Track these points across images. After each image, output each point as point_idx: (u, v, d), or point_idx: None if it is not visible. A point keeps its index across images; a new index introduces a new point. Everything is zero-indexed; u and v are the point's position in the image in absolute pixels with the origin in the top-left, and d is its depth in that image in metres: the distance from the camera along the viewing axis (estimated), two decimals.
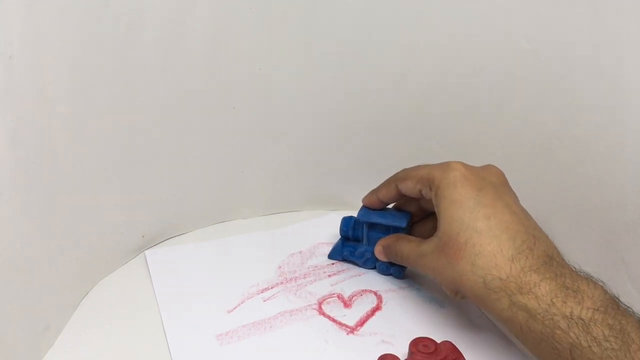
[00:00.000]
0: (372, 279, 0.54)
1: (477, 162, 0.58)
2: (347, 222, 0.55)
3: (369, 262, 0.55)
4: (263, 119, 0.58)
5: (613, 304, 0.39)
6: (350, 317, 0.50)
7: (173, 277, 0.53)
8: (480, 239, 0.42)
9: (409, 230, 0.53)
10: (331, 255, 0.56)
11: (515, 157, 0.56)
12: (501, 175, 0.48)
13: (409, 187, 0.49)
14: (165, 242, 0.58)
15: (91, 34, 0.45)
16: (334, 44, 0.56)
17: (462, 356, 0.43)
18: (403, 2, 0.54)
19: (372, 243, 0.54)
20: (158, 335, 0.48)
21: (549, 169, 0.54)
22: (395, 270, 0.54)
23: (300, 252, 0.57)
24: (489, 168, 0.48)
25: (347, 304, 0.51)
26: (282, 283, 0.53)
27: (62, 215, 0.46)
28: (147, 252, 0.56)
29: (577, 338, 0.37)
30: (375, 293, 0.52)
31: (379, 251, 0.53)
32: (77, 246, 0.49)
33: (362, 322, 0.49)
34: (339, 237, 0.56)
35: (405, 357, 0.44)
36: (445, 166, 0.46)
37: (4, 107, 0.39)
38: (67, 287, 0.49)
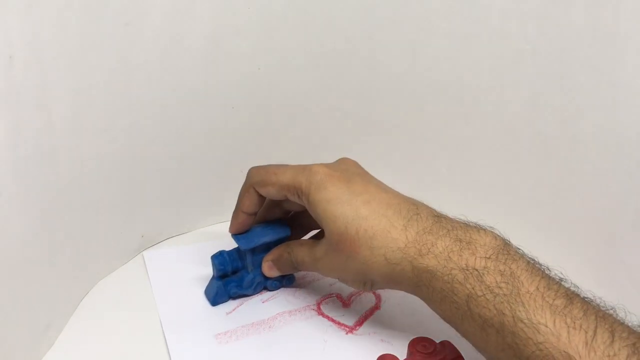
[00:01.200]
0: None
1: (476, 162, 0.58)
2: (221, 259, 0.50)
3: (259, 286, 0.51)
4: (262, 119, 0.58)
5: (503, 250, 0.40)
6: (349, 316, 0.50)
7: (171, 278, 0.53)
8: (368, 223, 0.43)
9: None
10: (215, 302, 0.51)
11: (515, 157, 0.56)
12: (358, 164, 0.49)
13: (272, 193, 0.48)
14: (164, 242, 0.58)
15: (91, 34, 0.45)
16: (334, 43, 0.56)
17: (461, 356, 0.43)
18: (403, 2, 0.54)
19: (258, 266, 0.50)
20: (157, 335, 0.48)
21: (549, 169, 0.54)
22: (286, 280, 0.52)
23: None
24: (344, 161, 0.49)
25: (345, 303, 0.51)
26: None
27: (62, 215, 0.46)
28: (144, 253, 0.56)
29: (473, 288, 0.39)
30: (374, 292, 0.52)
31: (268, 267, 0.50)
32: (76, 246, 0.49)
33: (361, 322, 0.49)
34: (211, 279, 0.51)
35: (405, 356, 0.44)
36: (307, 171, 0.46)
37: (4, 107, 0.39)
38: (67, 287, 0.49)
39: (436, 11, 0.54)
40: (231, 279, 0.51)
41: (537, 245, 0.57)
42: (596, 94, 0.50)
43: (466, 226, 0.43)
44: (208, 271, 0.51)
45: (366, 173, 0.48)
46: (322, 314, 0.50)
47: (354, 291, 0.52)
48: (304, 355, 0.46)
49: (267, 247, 0.50)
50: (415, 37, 0.55)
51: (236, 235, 0.50)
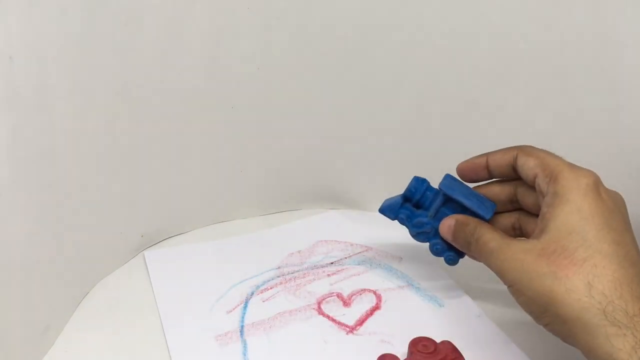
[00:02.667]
0: (371, 278, 0.54)
1: None
2: (419, 183, 0.48)
3: (423, 237, 0.49)
4: (262, 118, 0.58)
5: None
6: (350, 316, 0.50)
7: (172, 278, 0.53)
8: (604, 262, 0.36)
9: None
10: (384, 210, 0.49)
11: None
12: (625, 206, 0.41)
13: (528, 165, 0.42)
14: (164, 241, 0.58)
15: (91, 34, 0.45)
16: (333, 43, 0.56)
17: (462, 356, 0.43)
18: (402, 2, 0.54)
19: (439, 219, 0.48)
20: (158, 335, 0.48)
21: None
22: (451, 255, 0.48)
23: (299, 252, 0.57)
24: (618, 194, 0.42)
25: (346, 303, 0.51)
26: (281, 283, 0.53)
27: (62, 215, 0.46)
28: (145, 252, 0.56)
29: None
30: (374, 292, 0.52)
31: (447, 225, 0.46)
32: (77, 246, 0.49)
33: (361, 322, 0.49)
34: (399, 194, 0.49)
35: (405, 356, 0.44)
36: (577, 167, 0.41)
37: (4, 107, 0.39)
38: (67, 287, 0.49)
39: (436, 11, 0.54)
40: (411, 208, 0.49)
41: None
42: (596, 94, 0.50)
43: None
44: (209, 271, 0.51)
45: (628, 219, 0.40)
46: (323, 314, 0.50)
47: (354, 291, 0.52)
48: (304, 355, 0.46)
49: (460, 211, 0.47)
50: (415, 37, 0.55)
51: (449, 178, 0.47)
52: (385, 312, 0.50)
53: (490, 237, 0.42)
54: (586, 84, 0.50)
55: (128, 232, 0.55)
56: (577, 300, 0.35)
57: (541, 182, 0.41)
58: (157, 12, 0.48)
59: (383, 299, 0.52)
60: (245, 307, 0.51)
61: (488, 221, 0.45)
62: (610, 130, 0.50)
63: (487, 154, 0.46)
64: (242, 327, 0.48)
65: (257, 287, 0.53)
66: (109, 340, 0.47)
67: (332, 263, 0.56)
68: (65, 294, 0.49)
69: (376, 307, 0.51)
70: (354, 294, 0.52)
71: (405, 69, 0.57)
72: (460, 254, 0.48)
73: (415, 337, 0.45)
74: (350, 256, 0.56)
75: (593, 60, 0.50)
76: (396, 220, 0.49)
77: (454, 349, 0.44)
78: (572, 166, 0.41)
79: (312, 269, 0.55)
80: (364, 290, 0.53)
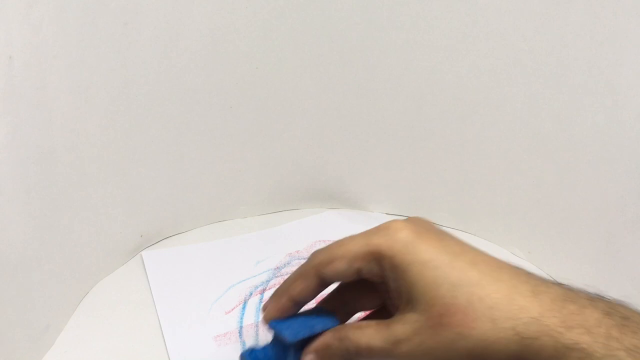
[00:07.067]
0: None
1: (476, 162, 0.58)
2: (257, 357, 0.38)
3: None
4: (260, 118, 0.58)
5: None
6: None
7: (170, 278, 0.53)
8: (483, 290, 0.34)
9: None
10: None
11: (515, 157, 0.56)
12: (432, 223, 0.38)
13: (341, 270, 0.37)
14: (163, 241, 0.58)
15: (90, 34, 0.45)
16: (332, 42, 0.56)
17: None
18: (402, 2, 0.54)
19: None
20: (157, 335, 0.48)
21: (548, 169, 0.54)
22: None
23: (297, 252, 0.57)
24: (418, 219, 0.38)
25: None
26: (280, 284, 0.53)
27: (62, 215, 0.46)
28: (143, 253, 0.56)
29: None
30: None
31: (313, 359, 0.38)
32: (76, 246, 0.49)
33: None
34: None
35: None
36: (383, 230, 0.37)
37: (4, 107, 0.39)
38: (67, 287, 0.49)
39: (436, 11, 0.54)
40: None
41: (537, 245, 0.57)
42: (596, 94, 0.50)
43: (601, 296, 0.34)
44: (207, 271, 0.51)
45: (447, 232, 0.38)
46: None
47: None
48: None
49: (309, 341, 0.38)
50: (415, 37, 0.55)
51: (275, 323, 0.38)
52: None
53: (364, 338, 0.36)
54: (586, 84, 0.50)
55: (127, 232, 0.55)
56: (493, 342, 0.33)
57: (371, 271, 0.37)
58: (156, 12, 0.48)
59: None
60: (243, 307, 0.51)
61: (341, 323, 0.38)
62: (610, 130, 0.50)
63: (285, 292, 0.39)
64: (240, 327, 0.48)
65: (256, 287, 0.53)
66: (108, 340, 0.47)
67: None
68: (65, 294, 0.49)
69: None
70: None
71: (405, 68, 0.57)
72: None
73: None
74: None
75: (593, 60, 0.50)
76: None
77: None
78: (379, 232, 0.37)
79: None
80: None
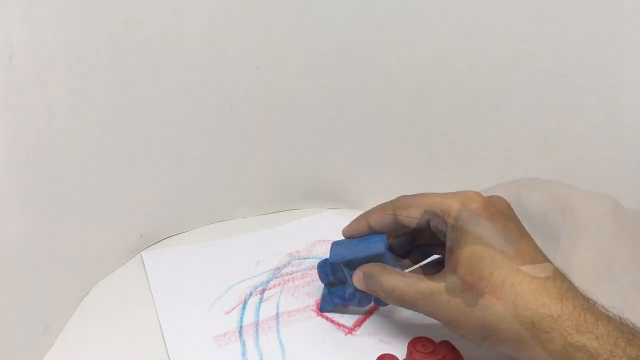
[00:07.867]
0: None
1: (476, 162, 0.58)
2: (323, 268, 0.48)
3: (364, 301, 0.48)
4: (260, 118, 0.58)
5: None
6: (348, 317, 0.50)
7: (170, 278, 0.53)
8: (519, 278, 0.38)
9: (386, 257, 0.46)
10: (323, 308, 0.50)
11: (515, 157, 0.56)
12: (509, 206, 0.43)
13: (414, 215, 0.44)
14: (163, 241, 0.58)
15: (90, 34, 0.45)
16: (332, 42, 0.56)
17: (461, 356, 0.43)
18: (402, 2, 0.54)
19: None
20: (157, 335, 0.48)
21: (548, 169, 0.54)
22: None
23: (297, 252, 0.57)
24: (499, 200, 0.43)
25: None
26: (280, 284, 0.53)
27: (62, 215, 0.46)
28: (143, 253, 0.56)
29: None
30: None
31: (357, 279, 0.45)
32: (76, 246, 0.49)
33: (360, 323, 0.49)
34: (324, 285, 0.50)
35: (404, 357, 0.44)
36: (461, 196, 0.42)
37: (4, 107, 0.39)
38: (67, 287, 0.49)
39: (436, 11, 0.54)
40: (337, 289, 0.48)
41: (537, 245, 0.57)
42: (596, 94, 0.50)
43: (620, 317, 0.38)
44: (206, 271, 0.51)
45: (516, 218, 0.43)
46: (321, 315, 0.50)
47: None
48: (303, 356, 0.46)
49: (366, 261, 0.46)
50: (415, 37, 0.55)
51: (334, 243, 0.48)
52: (384, 312, 0.50)
53: (395, 282, 0.43)
54: (586, 84, 0.50)
55: (127, 232, 0.55)
56: (508, 323, 0.38)
57: (437, 226, 0.43)
58: (156, 12, 0.48)
59: None
60: (243, 307, 0.51)
61: (384, 254, 0.45)
62: (610, 130, 0.50)
63: (366, 215, 0.47)
64: (240, 327, 0.48)
65: (256, 287, 0.53)
66: (108, 340, 0.47)
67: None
68: (65, 294, 0.49)
69: (375, 308, 0.51)
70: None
71: (405, 68, 0.57)
72: None
73: (414, 337, 0.45)
74: None
75: (593, 60, 0.50)
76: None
77: (453, 349, 0.44)
78: (456, 196, 0.42)
79: (311, 270, 0.55)
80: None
